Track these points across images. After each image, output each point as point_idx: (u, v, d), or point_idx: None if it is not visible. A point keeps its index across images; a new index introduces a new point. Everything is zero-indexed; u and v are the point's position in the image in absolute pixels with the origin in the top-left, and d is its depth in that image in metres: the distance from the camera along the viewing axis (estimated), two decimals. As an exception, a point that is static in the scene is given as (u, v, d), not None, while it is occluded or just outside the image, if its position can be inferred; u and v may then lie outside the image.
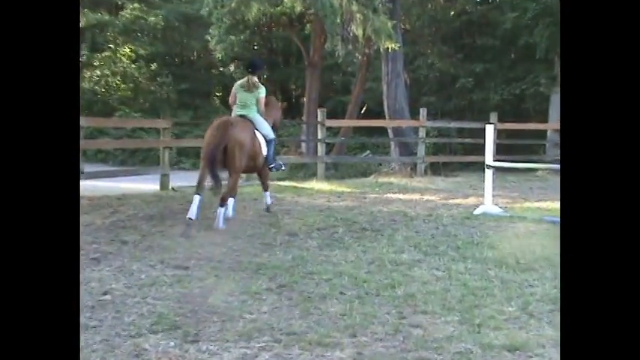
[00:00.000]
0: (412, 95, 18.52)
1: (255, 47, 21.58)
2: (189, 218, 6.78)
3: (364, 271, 5.23)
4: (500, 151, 14.87)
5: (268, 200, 8.27)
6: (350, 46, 14.07)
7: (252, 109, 7.69)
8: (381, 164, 15.29)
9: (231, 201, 7.49)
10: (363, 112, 19.90)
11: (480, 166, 10.01)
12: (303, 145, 16.82)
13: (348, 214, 8.19)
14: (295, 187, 11.36)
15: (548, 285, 4.82)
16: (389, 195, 10.45)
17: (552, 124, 16.62)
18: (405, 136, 15.32)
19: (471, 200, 9.80)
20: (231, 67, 22.40)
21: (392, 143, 15.77)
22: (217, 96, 24.07)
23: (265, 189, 8.26)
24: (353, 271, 5.16)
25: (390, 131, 15.92)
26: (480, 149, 10.79)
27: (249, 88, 7.72)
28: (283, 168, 8.38)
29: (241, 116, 7.61)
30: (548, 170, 13.12)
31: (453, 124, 16.09)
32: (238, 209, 8.01)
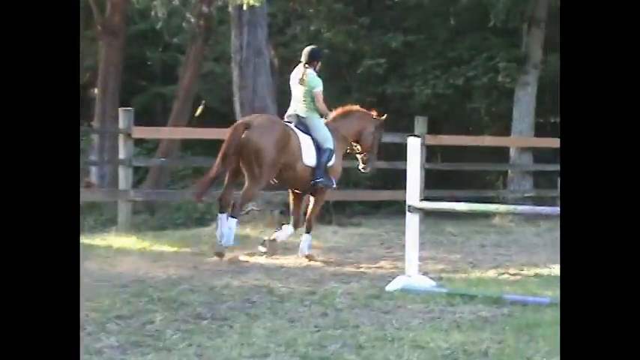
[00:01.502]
0: (283, 86, 18.17)
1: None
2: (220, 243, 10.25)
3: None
4: (434, 181, 15.27)
5: (306, 248, 10.72)
6: (176, 0, 14.54)
7: (304, 106, 10.61)
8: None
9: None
10: (199, 113, 20.26)
11: (399, 209, 9.98)
12: (94, 170, 17.10)
13: (171, 290, 8.50)
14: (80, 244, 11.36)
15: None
16: (243, 257, 10.88)
17: (517, 139, 17.13)
18: None
19: (383, 266, 10.27)
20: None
21: None
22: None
23: (308, 228, 10.85)
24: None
25: None
26: (399, 179, 10.54)
27: (302, 80, 10.58)
28: (333, 186, 10.92)
29: (291, 115, 10.67)
30: (510, 215, 13.45)
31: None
32: None
